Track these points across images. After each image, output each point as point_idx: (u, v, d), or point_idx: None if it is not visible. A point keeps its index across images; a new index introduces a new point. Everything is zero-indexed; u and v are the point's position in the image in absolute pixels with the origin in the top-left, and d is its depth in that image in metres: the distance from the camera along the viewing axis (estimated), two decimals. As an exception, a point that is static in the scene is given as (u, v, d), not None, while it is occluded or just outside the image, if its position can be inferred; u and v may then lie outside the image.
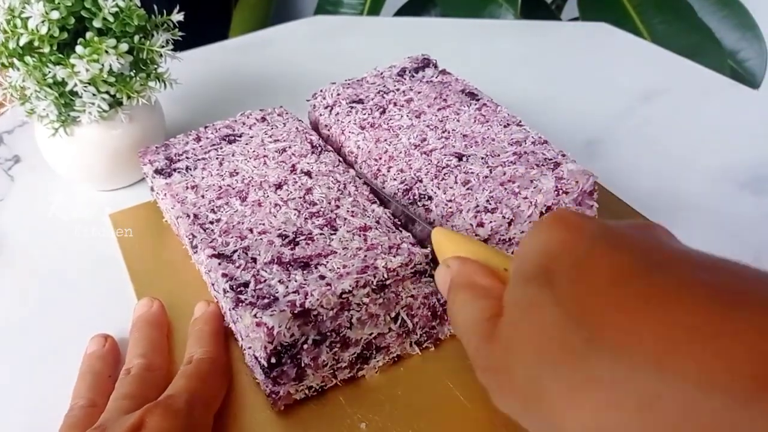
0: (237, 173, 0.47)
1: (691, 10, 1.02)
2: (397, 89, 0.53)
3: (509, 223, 0.40)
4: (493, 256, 0.31)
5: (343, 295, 0.36)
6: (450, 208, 0.41)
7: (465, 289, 0.29)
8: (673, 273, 0.20)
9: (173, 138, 0.51)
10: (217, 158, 0.48)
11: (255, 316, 0.35)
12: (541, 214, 0.41)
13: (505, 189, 0.42)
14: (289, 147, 0.49)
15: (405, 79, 0.55)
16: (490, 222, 0.40)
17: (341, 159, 0.48)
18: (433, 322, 0.41)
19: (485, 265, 0.30)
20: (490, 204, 0.41)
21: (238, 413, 0.39)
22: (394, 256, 0.38)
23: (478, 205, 0.41)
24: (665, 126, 0.64)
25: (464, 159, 0.45)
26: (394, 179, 0.45)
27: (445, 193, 0.42)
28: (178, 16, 0.52)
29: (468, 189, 0.42)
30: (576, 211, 0.25)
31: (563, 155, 0.44)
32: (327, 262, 0.38)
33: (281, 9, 1.68)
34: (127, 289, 0.48)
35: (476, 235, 0.40)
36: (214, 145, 0.50)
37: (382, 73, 0.56)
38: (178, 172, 0.48)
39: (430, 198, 0.42)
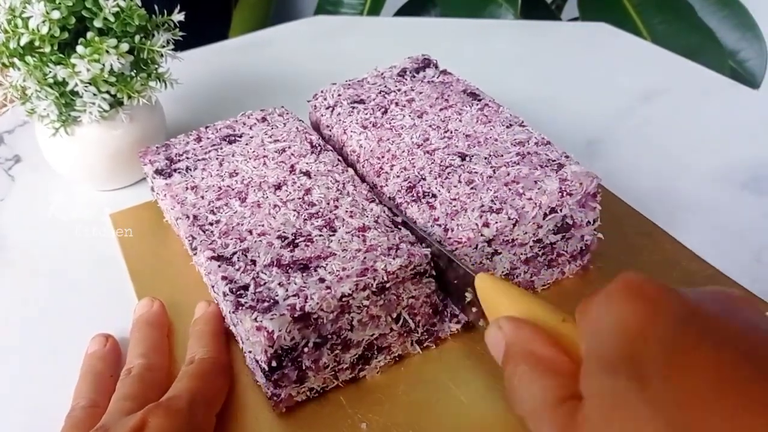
0: (237, 174, 0.47)
1: (692, 10, 1.02)
2: (399, 89, 0.53)
3: (514, 224, 0.40)
4: (545, 310, 0.29)
5: (343, 298, 0.36)
6: (455, 206, 0.41)
7: (526, 360, 0.26)
8: None
9: (174, 138, 0.51)
10: (217, 158, 0.48)
11: (255, 320, 0.35)
12: (545, 215, 0.41)
13: (510, 189, 0.42)
14: (289, 147, 0.49)
15: (406, 79, 0.55)
16: (496, 222, 0.40)
17: (341, 158, 0.48)
18: (434, 319, 0.41)
19: (542, 325, 0.28)
20: (494, 204, 0.41)
21: (240, 413, 0.39)
22: (394, 258, 0.38)
23: (483, 205, 0.41)
24: (665, 126, 0.64)
25: (467, 159, 0.45)
26: (397, 176, 0.45)
27: (449, 192, 0.42)
28: (178, 16, 0.52)
29: (472, 188, 0.42)
30: (648, 277, 0.23)
31: (566, 156, 0.44)
32: (326, 264, 0.38)
33: (281, 9, 1.68)
34: (127, 289, 0.48)
35: (482, 235, 0.40)
36: (214, 145, 0.50)
37: (382, 74, 0.56)
38: (178, 172, 0.48)
39: (434, 196, 0.42)
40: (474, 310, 0.37)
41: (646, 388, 0.20)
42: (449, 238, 0.40)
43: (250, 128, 0.52)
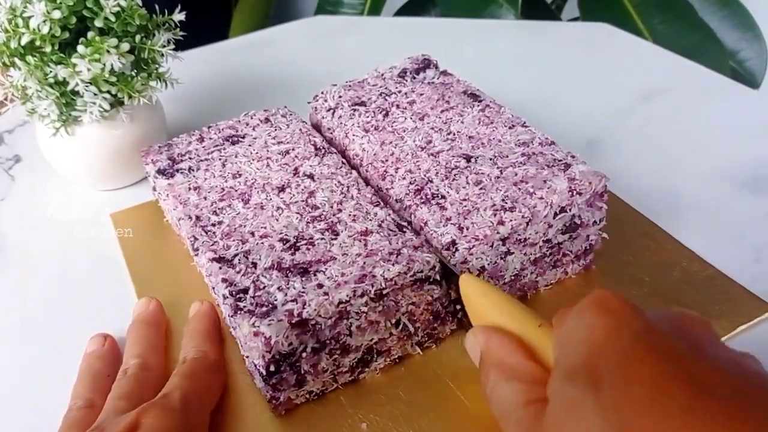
0: (240, 175, 0.46)
1: (692, 10, 1.03)
2: (399, 91, 0.53)
3: (527, 223, 0.40)
4: (523, 315, 0.31)
5: (341, 305, 0.36)
6: (466, 206, 0.41)
7: (495, 368, 0.29)
8: (716, 397, 0.21)
9: (176, 138, 0.51)
10: (219, 159, 0.48)
11: (253, 325, 0.35)
12: (556, 214, 0.41)
13: (519, 189, 0.42)
14: (293, 149, 0.49)
15: (406, 80, 0.55)
16: (511, 221, 0.40)
17: (345, 161, 0.48)
18: (434, 323, 0.41)
19: (518, 330, 0.30)
20: (506, 203, 0.41)
21: (240, 413, 0.39)
22: (393, 264, 0.37)
23: (494, 204, 0.41)
24: (665, 126, 0.64)
25: (473, 160, 0.45)
26: (403, 179, 0.44)
27: (458, 193, 0.42)
28: (179, 16, 0.52)
29: (481, 189, 0.42)
30: (616, 294, 0.26)
31: (572, 156, 0.44)
32: (326, 269, 0.38)
33: (281, 9, 1.68)
34: (127, 289, 0.48)
35: (497, 232, 0.40)
36: (217, 146, 0.50)
37: (383, 75, 0.55)
38: (181, 172, 0.47)
39: (443, 197, 0.42)
40: (458, 308, 0.38)
41: (598, 394, 0.23)
42: (465, 236, 0.39)
43: (253, 129, 0.51)
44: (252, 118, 0.53)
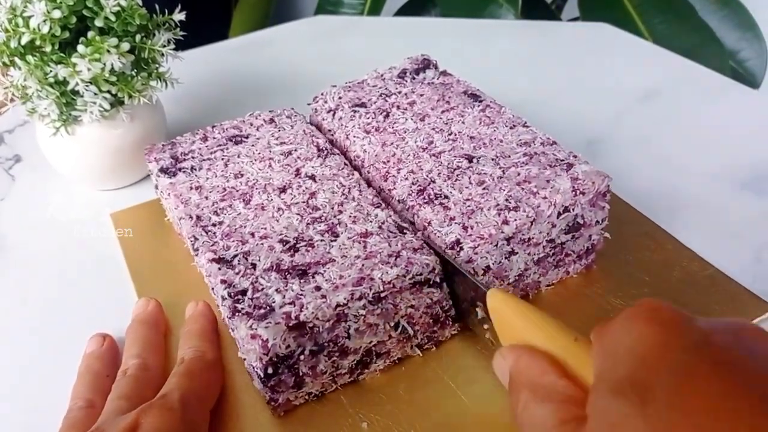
0: (242, 175, 0.46)
1: (692, 10, 1.03)
2: (399, 92, 0.53)
3: (532, 222, 0.40)
4: (557, 329, 0.29)
5: (338, 308, 0.36)
6: (469, 206, 0.41)
7: (526, 389, 0.27)
8: None
9: (180, 136, 0.51)
10: (222, 159, 0.48)
11: (250, 327, 0.35)
12: (559, 214, 0.41)
13: (523, 189, 0.42)
14: (295, 150, 0.48)
15: (406, 81, 0.55)
16: (515, 220, 0.40)
17: (347, 162, 0.48)
18: (434, 327, 0.41)
19: (552, 345, 0.28)
20: (510, 203, 0.41)
21: (240, 413, 0.39)
22: (392, 267, 0.37)
23: (498, 204, 0.41)
24: (665, 126, 0.64)
25: (475, 160, 0.45)
26: (405, 179, 0.44)
27: (461, 193, 0.42)
28: (179, 16, 0.52)
29: (484, 189, 0.42)
30: (667, 303, 0.24)
31: (574, 156, 0.44)
32: (324, 271, 0.38)
33: (281, 9, 1.68)
34: (127, 289, 0.48)
35: (502, 232, 0.40)
36: (220, 145, 0.50)
37: (382, 75, 0.55)
38: (183, 171, 0.47)
39: (446, 197, 0.42)
40: (485, 327, 0.36)
41: (647, 410, 0.21)
42: (470, 235, 0.39)
43: (257, 129, 0.51)
44: (257, 118, 0.53)
